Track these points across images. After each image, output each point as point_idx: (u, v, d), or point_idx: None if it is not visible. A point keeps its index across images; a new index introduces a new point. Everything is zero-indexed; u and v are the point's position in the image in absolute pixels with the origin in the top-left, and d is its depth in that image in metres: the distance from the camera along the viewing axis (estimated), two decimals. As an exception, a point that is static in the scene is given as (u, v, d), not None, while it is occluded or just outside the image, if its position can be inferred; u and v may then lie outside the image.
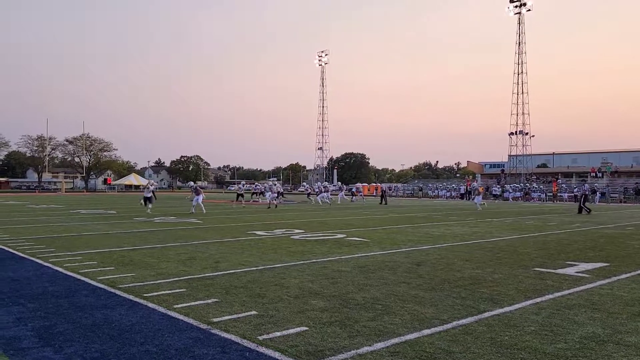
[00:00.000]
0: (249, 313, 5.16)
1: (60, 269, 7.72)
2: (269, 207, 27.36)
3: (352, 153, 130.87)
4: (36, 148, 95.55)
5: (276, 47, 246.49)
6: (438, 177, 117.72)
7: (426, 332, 4.57)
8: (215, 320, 4.89)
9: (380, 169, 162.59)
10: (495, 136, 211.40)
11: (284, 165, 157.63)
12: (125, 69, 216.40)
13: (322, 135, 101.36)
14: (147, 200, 23.72)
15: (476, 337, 4.41)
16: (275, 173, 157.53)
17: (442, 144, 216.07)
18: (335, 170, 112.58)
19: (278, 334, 4.47)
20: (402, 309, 5.37)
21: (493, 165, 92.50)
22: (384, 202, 36.33)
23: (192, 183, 28.44)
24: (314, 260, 8.72)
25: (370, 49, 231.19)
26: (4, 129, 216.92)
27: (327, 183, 36.94)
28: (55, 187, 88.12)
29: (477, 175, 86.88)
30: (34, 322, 4.79)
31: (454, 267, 8.20)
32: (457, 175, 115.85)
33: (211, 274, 7.35)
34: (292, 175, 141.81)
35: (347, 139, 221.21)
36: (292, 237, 12.66)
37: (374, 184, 79.28)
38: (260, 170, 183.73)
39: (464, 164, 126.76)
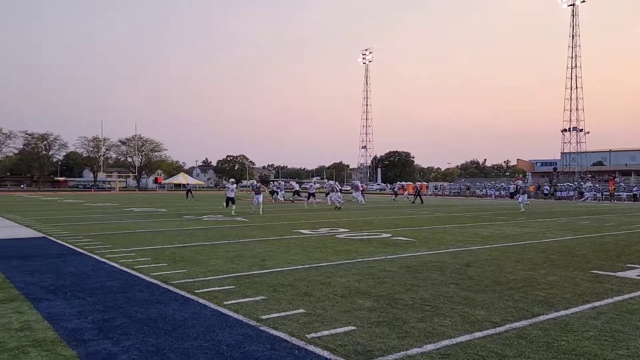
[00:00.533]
0: (296, 311, 5.21)
1: (116, 265, 8.06)
2: (338, 208, 26.10)
3: (397, 151, 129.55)
4: (92, 149, 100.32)
5: (320, 46, 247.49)
6: (486, 175, 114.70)
7: (478, 334, 4.46)
8: (264, 317, 4.96)
9: (425, 167, 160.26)
10: (547, 133, 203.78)
11: (327, 164, 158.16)
12: (175, 70, 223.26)
13: (366, 133, 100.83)
14: (229, 200, 21.96)
15: (531, 342, 4.26)
16: (319, 172, 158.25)
17: (491, 142, 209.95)
18: (379, 169, 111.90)
19: (326, 332, 4.49)
20: (452, 311, 5.27)
21: (545, 164, 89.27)
22: (419, 201, 35.27)
23: (254, 182, 27.45)
24: (360, 260, 8.69)
25: (414, 44, 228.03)
26: (63, 131, 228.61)
27: (334, 183, 32.93)
28: (110, 186, 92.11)
29: (527, 173, 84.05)
30: (93, 315, 5.03)
31: (505, 268, 7.97)
32: (507, 173, 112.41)
33: (258, 272, 7.47)
34: (336, 174, 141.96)
35: (391, 137, 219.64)
36: (337, 236, 12.67)
37: (418, 183, 78.21)
38: (304, 169, 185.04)
39: (513, 162, 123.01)
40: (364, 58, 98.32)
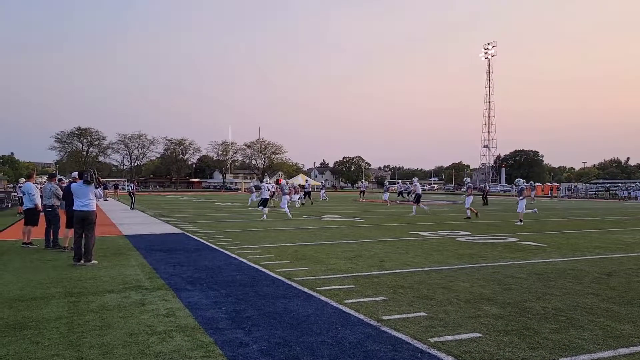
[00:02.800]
0: (417, 314, 5.13)
1: (244, 260, 8.64)
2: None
3: (523, 150, 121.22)
4: (221, 152, 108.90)
5: (439, 42, 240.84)
6: (629, 175, 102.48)
7: (623, 351, 4.02)
8: (384, 318, 4.97)
9: (556, 167, 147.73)
10: None
11: (446, 165, 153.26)
12: (293, 74, 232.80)
13: (488, 132, 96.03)
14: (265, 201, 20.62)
15: (692, 365, 3.73)
16: (437, 172, 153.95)
17: (636, 138, 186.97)
18: (502, 169, 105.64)
19: (449, 337, 4.36)
20: (591, 323, 4.80)
21: None
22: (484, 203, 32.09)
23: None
24: (484, 265, 8.30)
25: (542, 36, 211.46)
26: (197, 136, 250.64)
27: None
28: (236, 186, 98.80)
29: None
30: (226, 306, 5.45)
31: (656, 280, 7.05)
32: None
33: (377, 273, 7.50)
34: (455, 174, 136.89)
35: (517, 135, 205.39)
36: (457, 239, 12.23)
37: (549, 184, 72.29)
38: (421, 169, 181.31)
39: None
40: (486, 53, 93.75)
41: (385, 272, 7.59)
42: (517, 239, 12.12)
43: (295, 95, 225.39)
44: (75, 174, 9.39)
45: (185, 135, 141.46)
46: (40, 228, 10.87)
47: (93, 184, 8.79)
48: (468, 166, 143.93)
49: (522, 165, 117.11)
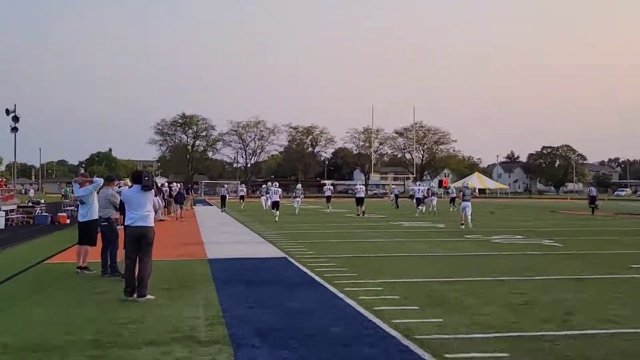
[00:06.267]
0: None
1: (352, 303, 8.25)
2: None
3: None
4: (362, 143, 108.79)
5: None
6: None
7: None
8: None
9: None
10: None
11: None
12: (461, 46, 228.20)
13: None
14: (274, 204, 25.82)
15: None
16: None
17: None
18: None
19: None
20: None
21: None
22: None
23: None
24: None
25: None
26: (329, 123, 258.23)
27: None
28: (384, 191, 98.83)
29: None
30: (295, 378, 5.08)
31: None
32: None
33: (554, 333, 6.58)
34: None
35: None
36: None
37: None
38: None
39: None
40: None
41: (570, 332, 6.65)
42: None
43: (466, 62, 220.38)
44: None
45: (314, 122, 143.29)
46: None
47: (153, 190, 9.07)
48: None
49: None
